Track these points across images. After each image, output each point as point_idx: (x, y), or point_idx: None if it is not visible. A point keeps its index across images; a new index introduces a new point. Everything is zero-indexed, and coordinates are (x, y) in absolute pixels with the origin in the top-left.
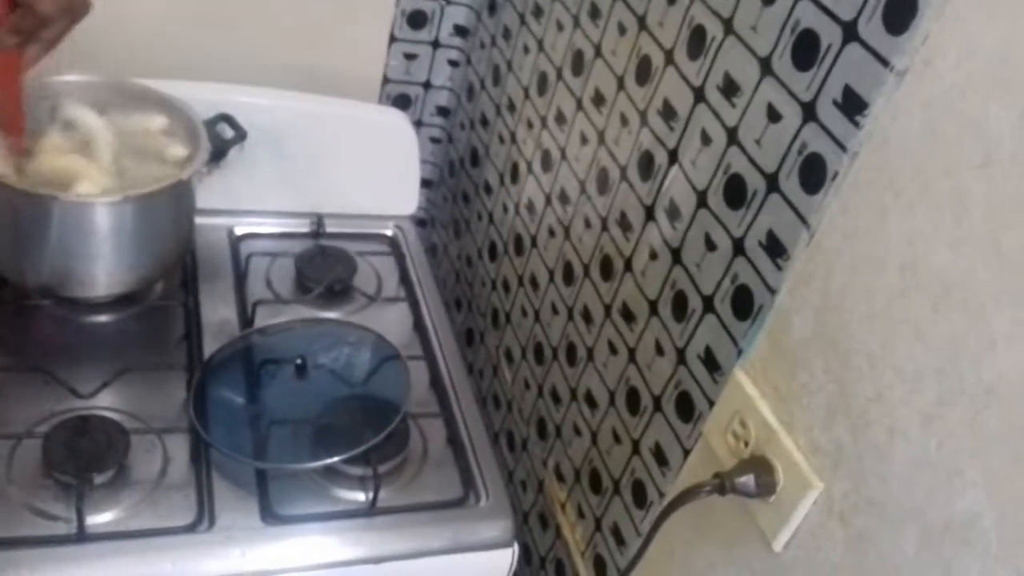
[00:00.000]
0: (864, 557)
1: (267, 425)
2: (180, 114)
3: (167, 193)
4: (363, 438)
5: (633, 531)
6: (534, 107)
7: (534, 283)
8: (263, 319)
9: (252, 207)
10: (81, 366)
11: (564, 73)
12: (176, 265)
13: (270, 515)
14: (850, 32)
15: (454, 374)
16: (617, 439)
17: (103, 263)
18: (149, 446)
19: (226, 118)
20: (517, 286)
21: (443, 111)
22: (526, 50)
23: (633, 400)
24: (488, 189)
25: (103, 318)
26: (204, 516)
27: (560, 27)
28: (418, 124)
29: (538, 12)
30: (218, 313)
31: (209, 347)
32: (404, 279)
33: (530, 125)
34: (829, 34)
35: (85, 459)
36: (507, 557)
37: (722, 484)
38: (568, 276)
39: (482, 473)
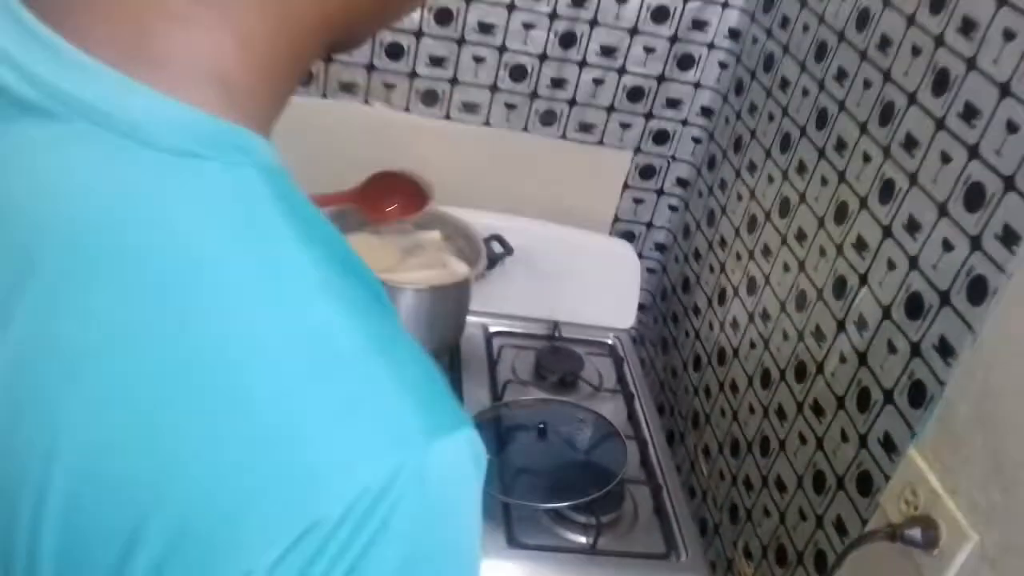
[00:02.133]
0: None
1: (512, 472)
2: (464, 231)
3: (456, 288)
4: (588, 492)
5: None
6: (743, 243)
7: (734, 388)
8: (510, 396)
9: (504, 311)
10: None
11: (772, 216)
12: (447, 350)
13: (514, 541)
14: (1009, 184)
15: (661, 455)
16: (803, 516)
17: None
18: None
19: (497, 237)
20: (718, 391)
21: (660, 247)
22: (739, 198)
23: (819, 481)
24: (696, 311)
25: None
26: None
27: (771, 179)
28: (640, 256)
29: (752, 167)
30: (476, 387)
31: (468, 404)
32: (620, 378)
33: (738, 257)
34: (993, 185)
35: None
36: None
37: (893, 533)
38: (766, 380)
39: (683, 536)
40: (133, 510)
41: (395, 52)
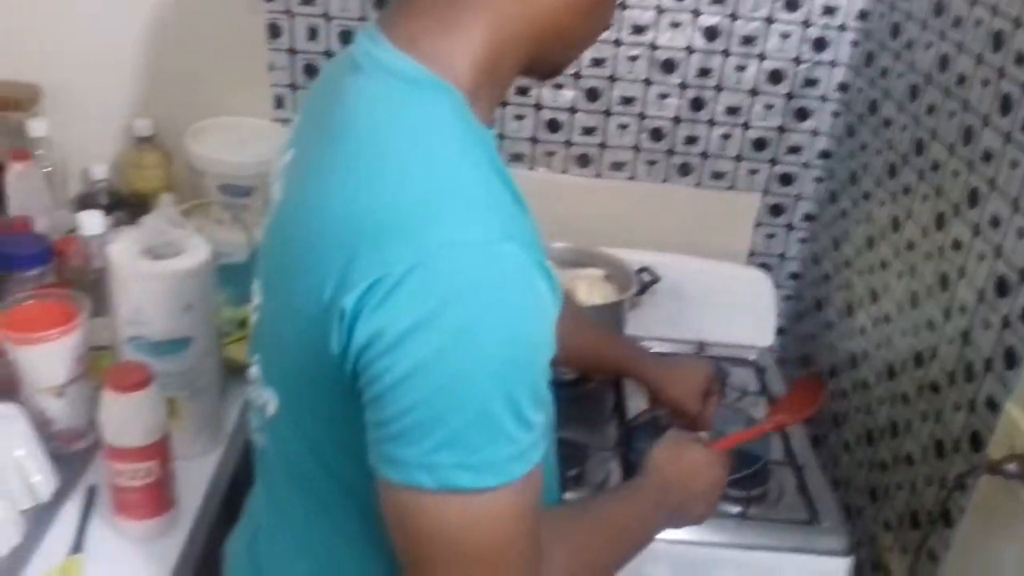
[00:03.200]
0: None
1: None
2: (619, 266)
3: (611, 308)
4: (739, 470)
5: (944, 547)
6: (864, 260)
7: (865, 385)
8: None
9: (655, 334)
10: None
11: (885, 233)
12: None
13: None
14: None
15: (801, 445)
16: (929, 483)
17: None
18: (602, 461)
19: (646, 269)
20: (851, 391)
21: (794, 276)
22: (857, 223)
23: (939, 449)
24: (829, 325)
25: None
26: None
27: (882, 203)
28: (776, 285)
29: (866, 196)
30: (635, 396)
31: (630, 413)
32: (763, 385)
33: (860, 273)
34: None
35: None
36: (843, 565)
37: (992, 467)
38: (890, 373)
39: (824, 507)
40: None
41: (554, 126)
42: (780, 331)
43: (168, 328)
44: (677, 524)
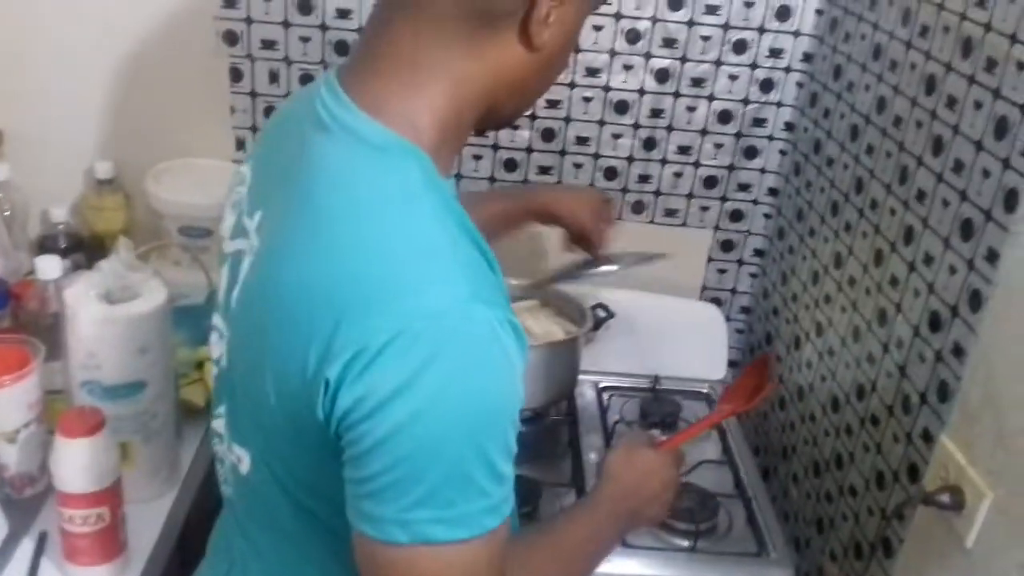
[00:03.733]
0: (1013, 532)
1: None
2: (573, 302)
3: (568, 345)
4: (685, 505)
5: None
6: (809, 295)
7: (812, 417)
8: (618, 434)
9: (611, 369)
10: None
11: (829, 269)
12: (564, 397)
13: (624, 543)
14: (988, 216)
15: (751, 477)
16: (871, 513)
17: (529, 386)
18: (555, 496)
19: (601, 305)
20: (800, 423)
21: (745, 309)
22: (803, 258)
23: (880, 480)
24: (778, 359)
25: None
26: None
27: (825, 240)
28: (727, 319)
29: (812, 232)
30: (590, 432)
31: (585, 448)
32: (719, 432)
33: (806, 307)
34: (978, 219)
35: None
36: None
37: (926, 498)
38: (835, 405)
39: (771, 539)
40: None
41: (511, 166)
42: (732, 364)
43: (122, 372)
44: (633, 528)
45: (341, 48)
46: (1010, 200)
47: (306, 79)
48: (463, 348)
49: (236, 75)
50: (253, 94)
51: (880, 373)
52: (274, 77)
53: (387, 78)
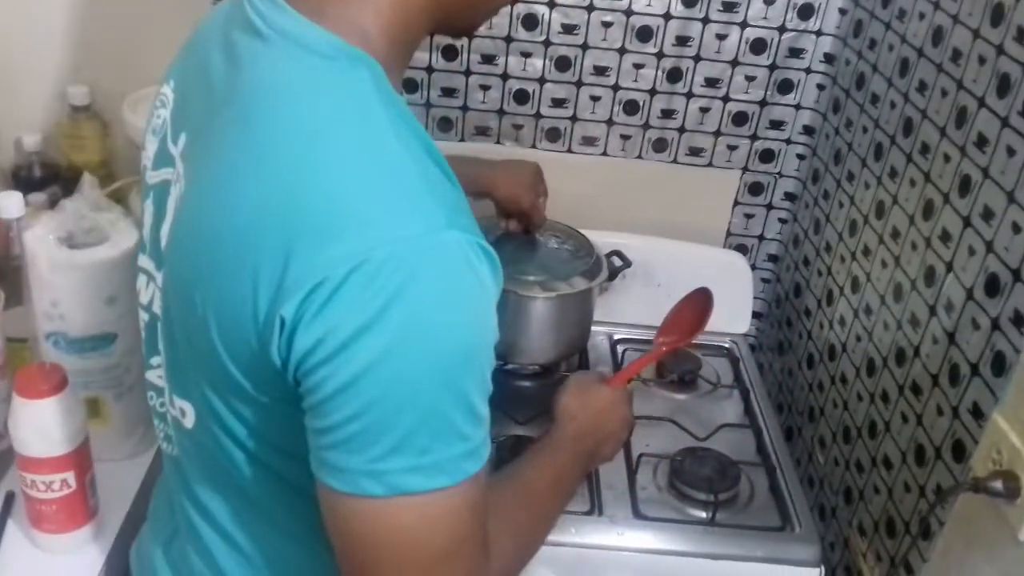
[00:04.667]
0: None
1: (637, 456)
2: (586, 248)
3: (581, 296)
4: (704, 472)
5: (920, 560)
6: (846, 246)
7: (843, 379)
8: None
9: (626, 320)
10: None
11: (869, 218)
12: (576, 352)
13: (638, 514)
14: None
15: (776, 444)
16: (907, 489)
17: (538, 341)
18: None
19: (617, 252)
20: (829, 384)
21: (772, 258)
22: (840, 205)
23: (920, 455)
24: (808, 313)
25: (528, 383)
26: (595, 506)
27: (867, 186)
28: (752, 267)
29: (850, 177)
30: None
31: None
32: (737, 377)
33: (842, 260)
34: None
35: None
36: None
37: (976, 485)
38: (871, 369)
39: (796, 511)
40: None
41: (522, 97)
42: (756, 315)
43: (89, 323)
44: (591, 467)
45: None
46: None
47: None
48: (435, 277)
49: None
50: None
51: (925, 338)
52: None
53: None
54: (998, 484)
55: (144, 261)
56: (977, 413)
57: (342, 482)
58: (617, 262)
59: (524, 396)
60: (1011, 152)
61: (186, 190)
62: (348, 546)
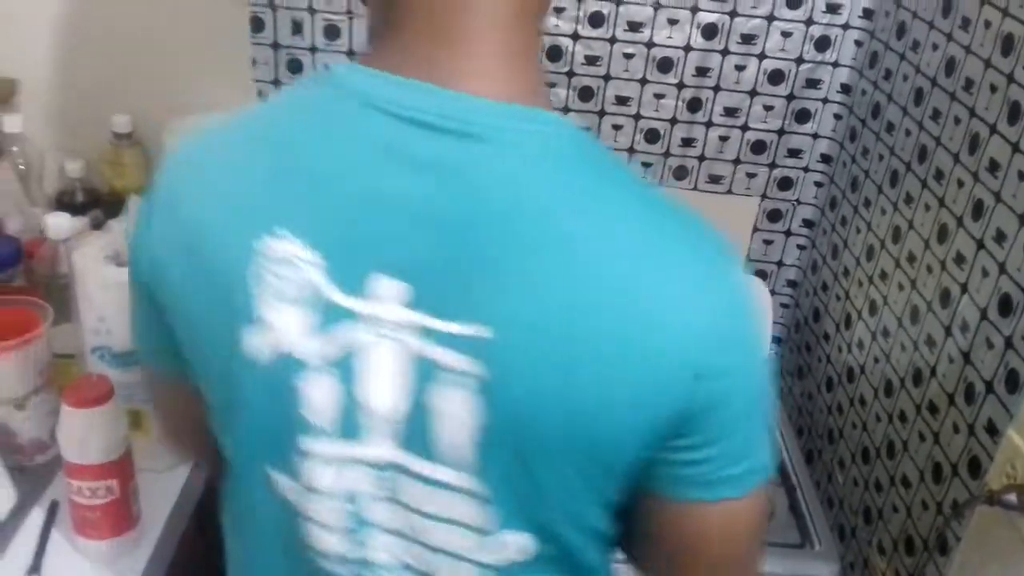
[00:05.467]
0: None
1: None
2: None
3: None
4: None
5: (939, 575)
6: (863, 270)
7: (862, 401)
8: None
9: None
10: None
11: (886, 243)
12: None
13: None
14: None
15: (795, 461)
16: (925, 507)
17: None
18: None
19: None
20: (848, 406)
21: (791, 283)
22: (858, 231)
23: (937, 473)
24: (826, 337)
25: None
26: None
27: (883, 211)
28: (772, 293)
29: (867, 203)
30: None
31: None
32: None
33: (860, 284)
34: None
35: None
36: None
37: (991, 498)
38: (888, 390)
39: (816, 530)
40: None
41: None
42: (776, 340)
43: None
44: None
45: None
46: None
47: (331, 30)
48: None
49: (257, 25)
50: (275, 45)
51: (941, 358)
52: (297, 27)
53: (485, 45)
54: (1012, 497)
55: (320, 445)
56: (992, 430)
57: (710, 493)
58: None
59: None
60: (1022, 177)
61: (491, 338)
62: (708, 549)
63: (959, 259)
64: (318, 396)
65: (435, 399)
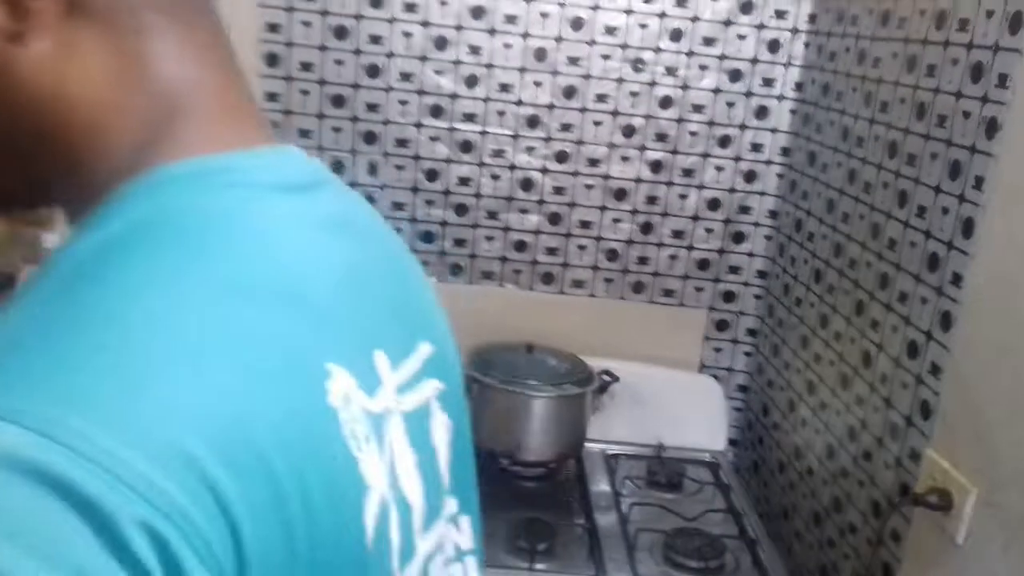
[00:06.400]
0: (999, 521)
1: (634, 531)
2: (581, 365)
3: (576, 398)
4: (694, 546)
5: None
6: (800, 359)
7: (810, 472)
8: (628, 493)
9: (616, 437)
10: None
11: (816, 330)
12: (574, 454)
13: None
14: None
15: (754, 525)
16: (870, 543)
17: (539, 437)
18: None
19: (606, 371)
20: (799, 480)
21: (742, 388)
22: (792, 328)
23: (876, 510)
24: (775, 426)
25: (532, 484)
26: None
27: (811, 304)
28: (727, 398)
29: (798, 302)
30: (599, 486)
31: (596, 502)
32: (718, 480)
33: (798, 371)
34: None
35: None
36: None
37: (915, 499)
38: (830, 453)
39: None
40: None
41: (520, 246)
42: (733, 443)
43: None
44: None
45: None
46: (967, 229)
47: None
48: None
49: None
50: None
51: (868, 410)
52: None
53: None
54: (933, 498)
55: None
56: (915, 456)
57: None
58: (606, 378)
59: (529, 495)
60: (913, 245)
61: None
62: None
63: (873, 324)
64: (393, 522)
65: (434, 439)
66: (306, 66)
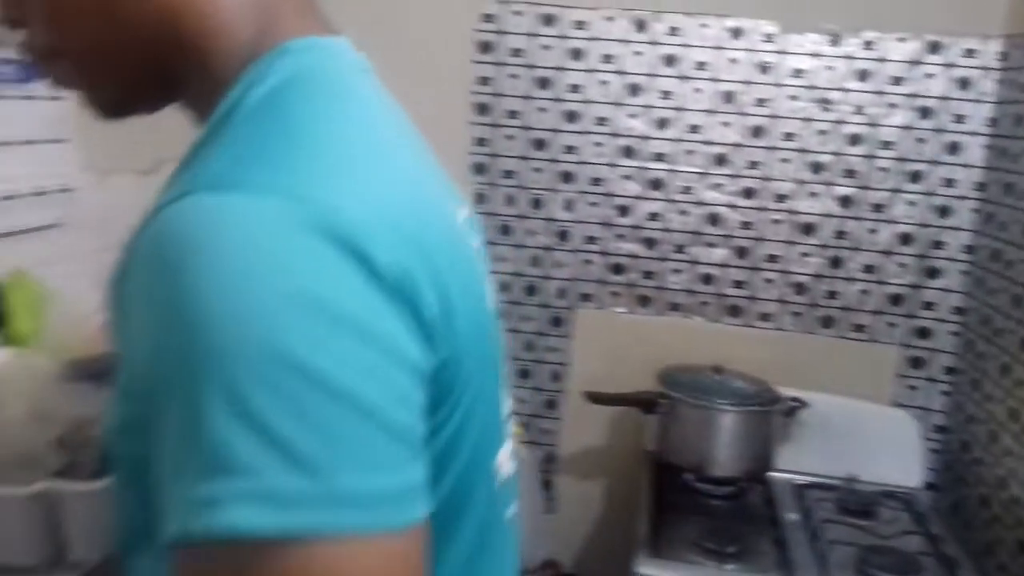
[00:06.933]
0: None
1: (825, 546)
2: (768, 388)
3: (763, 415)
4: (890, 561)
5: None
6: (1001, 387)
7: (1016, 502)
8: (819, 515)
9: (806, 468)
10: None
11: (1017, 355)
12: (762, 472)
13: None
14: None
15: (953, 548)
16: None
17: (727, 451)
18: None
19: (794, 397)
20: (1003, 512)
21: (939, 428)
22: (992, 357)
23: None
24: (977, 461)
25: (720, 502)
26: None
27: (1011, 332)
28: (924, 438)
29: (998, 333)
30: (788, 513)
31: (784, 520)
32: (914, 512)
33: (1000, 401)
34: None
35: None
36: None
37: None
38: None
39: None
40: None
41: (707, 279)
42: (931, 486)
43: None
44: None
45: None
46: None
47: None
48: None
49: (479, 200)
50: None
51: None
52: (510, 200)
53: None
54: None
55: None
56: None
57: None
58: (795, 403)
59: (716, 511)
60: None
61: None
62: None
63: None
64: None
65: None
66: (512, 114)
